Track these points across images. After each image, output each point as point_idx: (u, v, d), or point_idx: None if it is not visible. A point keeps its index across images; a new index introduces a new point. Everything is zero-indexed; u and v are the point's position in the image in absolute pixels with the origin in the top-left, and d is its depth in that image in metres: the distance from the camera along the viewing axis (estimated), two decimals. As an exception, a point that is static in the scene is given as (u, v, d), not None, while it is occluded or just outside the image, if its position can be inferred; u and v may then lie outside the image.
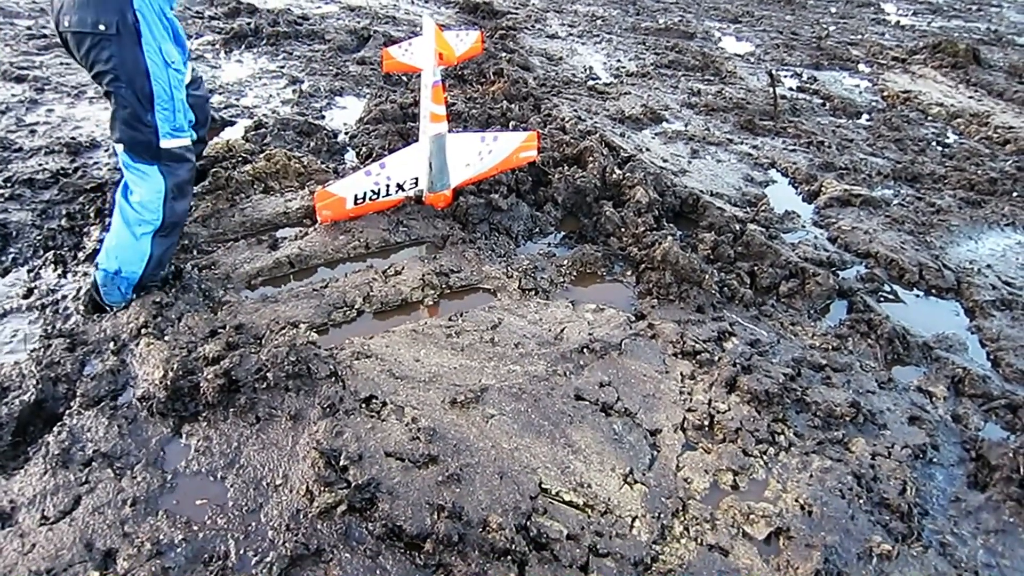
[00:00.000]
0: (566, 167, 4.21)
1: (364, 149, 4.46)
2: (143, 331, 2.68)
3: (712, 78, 7.16)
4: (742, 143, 5.45)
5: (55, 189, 3.71)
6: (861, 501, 2.33)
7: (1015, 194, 4.91)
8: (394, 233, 3.56)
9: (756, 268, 3.60)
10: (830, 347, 3.15)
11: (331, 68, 6.15)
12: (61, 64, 5.44)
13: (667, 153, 5.01)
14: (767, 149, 5.39)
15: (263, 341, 2.68)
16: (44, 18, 6.43)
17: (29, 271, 3.14)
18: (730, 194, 4.49)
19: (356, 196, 3.53)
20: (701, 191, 4.32)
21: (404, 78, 5.95)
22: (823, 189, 4.72)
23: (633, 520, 2.19)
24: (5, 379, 2.44)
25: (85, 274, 3.08)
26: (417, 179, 3.67)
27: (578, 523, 2.13)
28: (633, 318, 3.17)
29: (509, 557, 1.99)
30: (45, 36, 5.98)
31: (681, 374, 2.85)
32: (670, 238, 3.55)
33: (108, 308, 2.81)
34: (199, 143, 3.48)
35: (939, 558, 2.21)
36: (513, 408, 2.53)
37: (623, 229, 3.79)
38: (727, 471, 2.41)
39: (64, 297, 2.96)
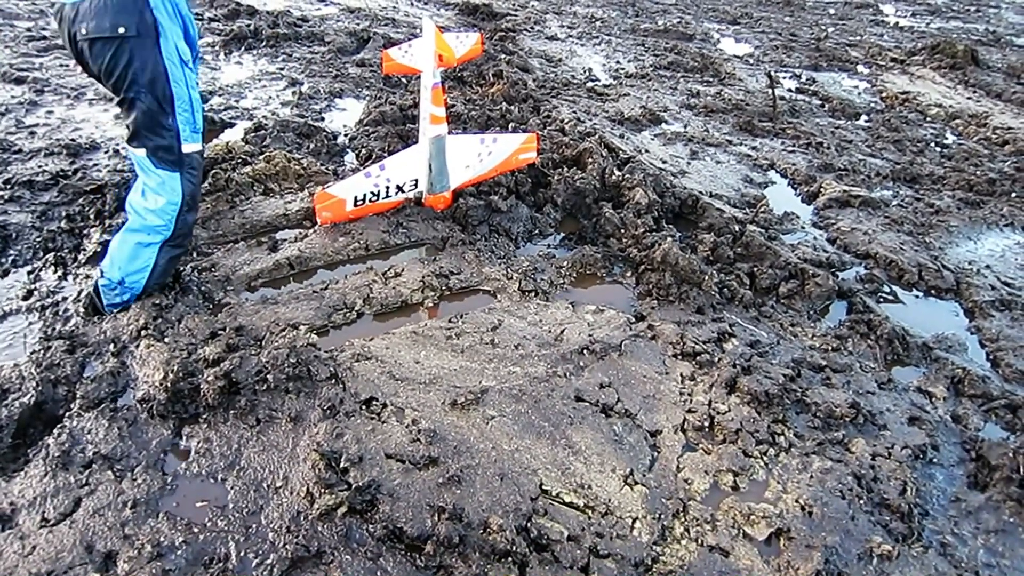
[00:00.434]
0: (565, 168, 4.21)
1: (364, 151, 4.46)
2: (143, 333, 2.68)
3: (711, 79, 7.17)
4: (741, 144, 5.46)
5: (55, 191, 3.71)
6: (861, 501, 2.33)
7: (1014, 194, 4.92)
8: (394, 235, 3.56)
9: (756, 269, 3.60)
10: (830, 348, 3.16)
11: (331, 70, 6.16)
12: (61, 66, 5.45)
13: (666, 154, 5.01)
14: (766, 150, 5.39)
15: (263, 343, 2.68)
16: (44, 20, 6.44)
17: (29, 273, 3.14)
18: (729, 195, 4.49)
19: (356, 198, 3.53)
20: (700, 192, 4.32)
21: (404, 80, 5.96)
22: (822, 190, 4.72)
23: (634, 521, 2.19)
24: (5, 381, 2.44)
25: (87, 276, 3.08)
26: (417, 181, 3.67)
27: (579, 524, 2.14)
28: (633, 319, 3.17)
29: (510, 558, 1.99)
30: (45, 38, 5.99)
31: (681, 375, 2.85)
32: (670, 239, 3.56)
33: (107, 312, 2.81)
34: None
35: (939, 558, 2.21)
36: (513, 409, 2.53)
37: (623, 230, 3.80)
38: (727, 472, 2.41)
39: (64, 299, 2.95)
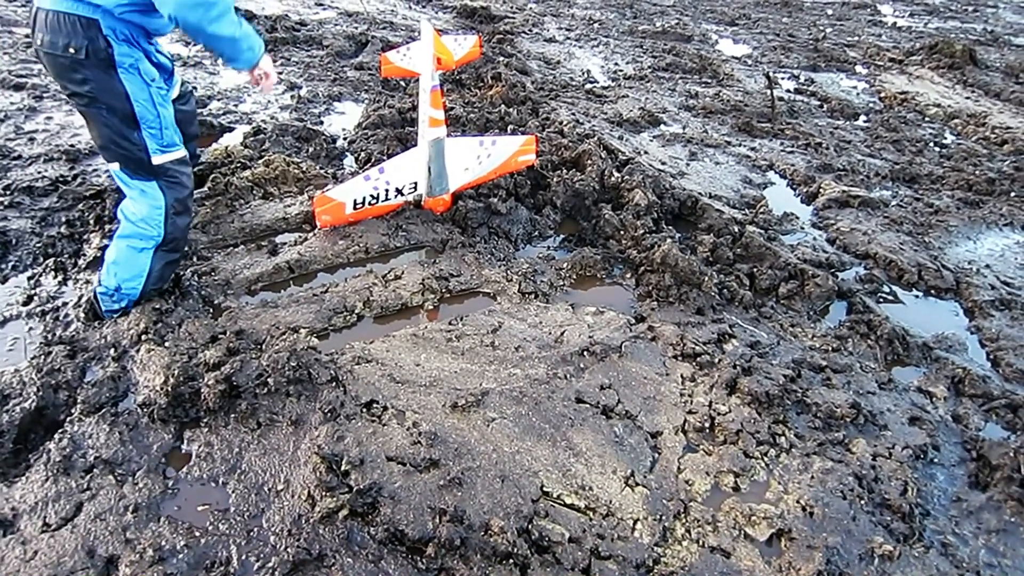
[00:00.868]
0: (565, 170, 4.22)
1: (363, 154, 4.47)
2: (144, 337, 2.68)
3: (710, 80, 7.17)
4: (740, 145, 5.46)
5: (54, 196, 3.72)
6: (862, 502, 2.33)
7: (1013, 194, 4.93)
8: (393, 238, 3.56)
9: (755, 270, 3.61)
10: (830, 348, 3.16)
11: (329, 73, 6.16)
12: (60, 71, 5.44)
13: (665, 156, 5.02)
14: (765, 151, 5.40)
15: (264, 346, 2.68)
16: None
17: (29, 278, 3.14)
18: (729, 196, 4.49)
19: (355, 201, 3.54)
20: (700, 193, 4.33)
21: (402, 83, 5.97)
22: (821, 190, 4.73)
23: (635, 522, 2.19)
24: (6, 386, 2.44)
25: (87, 281, 3.08)
26: (416, 184, 3.68)
27: (580, 526, 2.14)
28: (633, 320, 3.17)
29: (511, 560, 1.99)
30: (44, 44, 5.98)
31: (681, 376, 2.85)
32: (669, 240, 3.56)
33: (107, 318, 2.82)
34: (191, 158, 3.45)
35: (941, 558, 2.21)
36: (514, 411, 2.53)
37: (622, 232, 3.80)
38: (728, 473, 2.41)
39: (64, 304, 2.96)
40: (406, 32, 7.71)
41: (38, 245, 3.35)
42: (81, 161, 4.14)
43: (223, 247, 3.43)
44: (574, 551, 2.05)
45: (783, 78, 7.53)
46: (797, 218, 4.35)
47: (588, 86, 6.55)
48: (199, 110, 5.06)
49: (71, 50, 2.37)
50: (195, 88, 5.47)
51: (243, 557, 1.96)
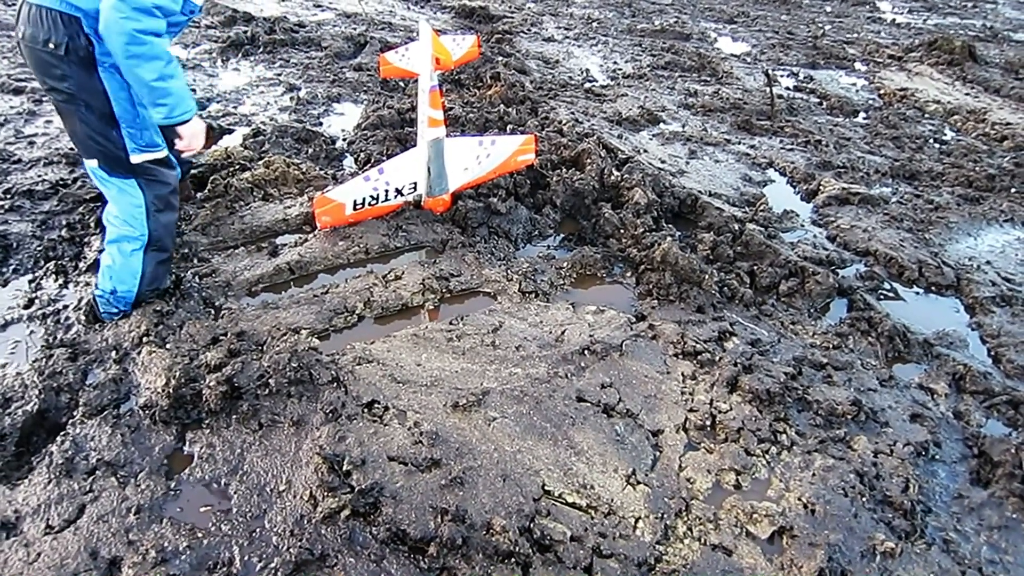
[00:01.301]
0: (564, 170, 4.22)
1: (362, 155, 4.47)
2: (145, 339, 2.68)
3: (709, 79, 7.17)
4: (740, 143, 5.46)
5: (55, 200, 3.72)
6: (864, 499, 2.33)
7: (1013, 190, 4.92)
8: (393, 238, 3.57)
9: (756, 268, 3.61)
10: (831, 345, 3.16)
11: (328, 75, 6.17)
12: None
13: (665, 154, 5.02)
14: (765, 149, 5.40)
15: (265, 348, 2.68)
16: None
17: (30, 282, 3.14)
18: (728, 194, 4.49)
19: (355, 202, 3.54)
20: (699, 191, 4.33)
21: (401, 83, 5.97)
22: (821, 188, 4.73)
23: (636, 521, 2.19)
24: (8, 390, 2.45)
25: (87, 284, 3.08)
26: (416, 184, 3.68)
27: (581, 524, 2.14)
28: (634, 319, 3.17)
29: (513, 559, 1.99)
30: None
31: (682, 374, 2.85)
32: (669, 239, 3.56)
33: (106, 320, 2.82)
34: (183, 164, 3.43)
35: (942, 555, 2.21)
36: (515, 411, 2.53)
37: (622, 230, 3.80)
38: (730, 471, 2.42)
39: (65, 307, 2.96)
40: (405, 33, 7.71)
41: (39, 248, 3.35)
42: (81, 164, 4.14)
43: (223, 249, 3.43)
44: (576, 550, 2.05)
45: (782, 76, 7.53)
46: (797, 215, 4.35)
47: (587, 85, 6.55)
48: (199, 112, 5.06)
49: (51, 45, 2.35)
50: (194, 90, 5.48)
51: (246, 558, 1.96)
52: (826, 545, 2.14)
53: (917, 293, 3.73)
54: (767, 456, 2.50)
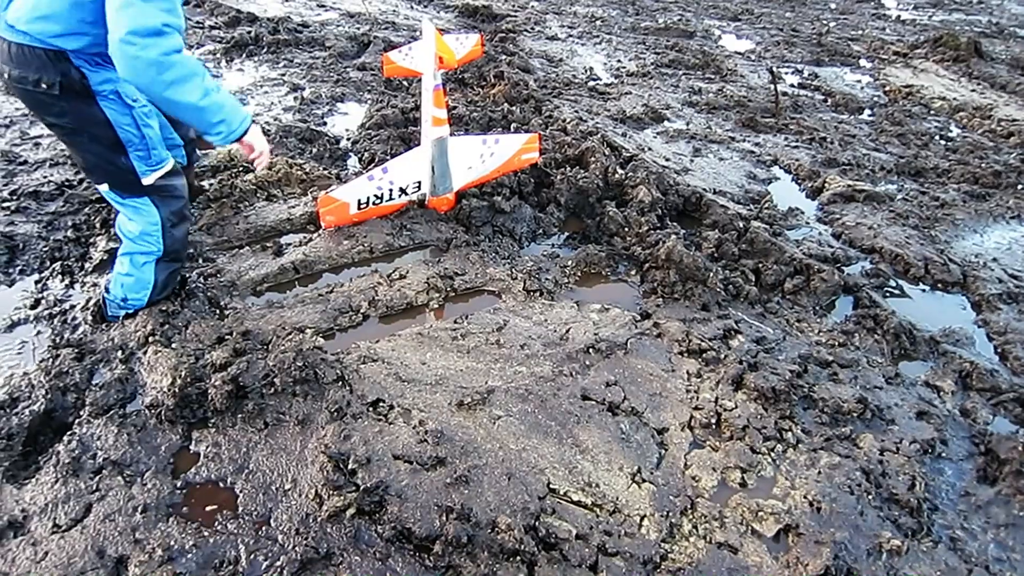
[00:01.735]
0: (568, 168, 4.21)
1: (366, 154, 4.48)
2: (150, 339, 2.69)
3: (713, 76, 7.16)
4: (744, 141, 5.45)
5: (60, 201, 3.74)
6: (870, 497, 2.33)
7: (1020, 186, 4.90)
8: (398, 237, 3.57)
9: (761, 265, 3.60)
10: (836, 343, 3.15)
11: (332, 74, 6.17)
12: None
13: (669, 152, 5.01)
14: (769, 146, 5.38)
15: (270, 347, 2.69)
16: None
17: (36, 282, 3.16)
18: (733, 192, 4.48)
19: (359, 201, 3.55)
20: (704, 189, 4.32)
21: (405, 83, 5.98)
22: (826, 185, 4.71)
23: (642, 519, 2.19)
24: (15, 389, 2.46)
25: (94, 284, 3.09)
26: (420, 183, 3.68)
27: (587, 523, 2.14)
28: (638, 317, 3.17)
29: (518, 557, 1.99)
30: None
31: (687, 372, 2.85)
32: (674, 237, 3.55)
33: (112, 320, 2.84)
34: (189, 162, 3.41)
35: (949, 553, 2.20)
36: (520, 409, 2.53)
37: (626, 229, 3.80)
38: (735, 469, 2.41)
39: (72, 307, 2.97)
40: (408, 32, 7.71)
41: (45, 249, 3.36)
42: (87, 165, 4.16)
43: (228, 249, 3.44)
44: (581, 548, 2.05)
45: (787, 73, 7.51)
46: (802, 213, 4.33)
47: (591, 83, 6.54)
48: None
49: (44, 85, 2.24)
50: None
51: (251, 556, 1.97)
52: (832, 543, 2.13)
53: (923, 290, 3.71)
54: (773, 454, 2.49)
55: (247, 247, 3.46)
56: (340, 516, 2.07)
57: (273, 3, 8.41)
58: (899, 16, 10.99)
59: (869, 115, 6.41)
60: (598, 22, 9.17)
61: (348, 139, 4.86)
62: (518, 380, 2.67)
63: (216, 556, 1.97)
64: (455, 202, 3.81)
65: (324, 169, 4.22)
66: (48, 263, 3.28)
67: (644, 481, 2.32)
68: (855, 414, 2.68)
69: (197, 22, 7.32)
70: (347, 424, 2.36)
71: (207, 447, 2.31)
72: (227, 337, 2.74)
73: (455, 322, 3.00)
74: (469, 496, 2.15)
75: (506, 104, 5.37)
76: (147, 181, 2.54)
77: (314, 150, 4.54)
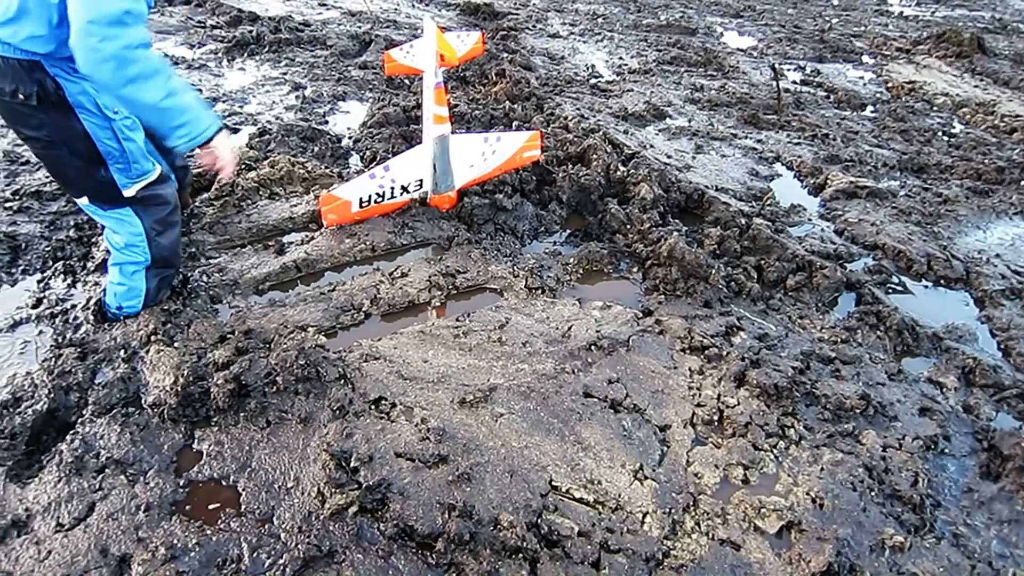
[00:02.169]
0: (570, 166, 4.21)
1: (368, 153, 4.47)
2: (153, 338, 2.69)
3: (715, 73, 7.14)
4: (746, 137, 5.44)
5: (62, 200, 3.74)
6: (873, 493, 2.32)
7: (1023, 183, 4.88)
8: (400, 235, 3.57)
9: (763, 262, 3.59)
10: (839, 340, 3.14)
11: (333, 73, 6.17)
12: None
13: (671, 149, 5.00)
14: (771, 143, 5.37)
15: (272, 345, 2.69)
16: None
17: (39, 282, 3.16)
18: (735, 189, 4.48)
19: (361, 199, 3.55)
20: (706, 186, 4.31)
21: (406, 81, 5.97)
22: (829, 182, 4.70)
23: (644, 516, 2.19)
24: (18, 389, 2.46)
25: (95, 284, 3.10)
26: (421, 181, 3.68)
27: (589, 520, 2.14)
28: (640, 314, 3.17)
29: (521, 555, 1.99)
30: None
31: (690, 369, 2.84)
32: (676, 234, 3.55)
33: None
34: (183, 171, 3.27)
35: (952, 549, 2.20)
36: (522, 406, 2.53)
37: (628, 226, 3.79)
38: (737, 465, 2.41)
39: (74, 306, 2.98)
40: (410, 30, 7.71)
41: (47, 249, 3.37)
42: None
43: (231, 248, 3.44)
44: (583, 545, 2.05)
45: (789, 69, 7.49)
46: (804, 210, 4.32)
47: (593, 81, 6.53)
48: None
49: (21, 96, 2.17)
50: (200, 91, 5.50)
51: (254, 554, 1.97)
52: (835, 539, 2.13)
53: (926, 287, 3.70)
54: (775, 451, 2.49)
55: (249, 246, 3.46)
56: (342, 514, 2.07)
57: (274, 2, 8.42)
58: (902, 12, 10.95)
59: (872, 111, 6.40)
60: (600, 19, 9.16)
61: (350, 137, 4.86)
62: (520, 378, 2.67)
63: (219, 554, 1.97)
64: (457, 200, 3.81)
65: (326, 168, 4.22)
66: (50, 262, 3.29)
67: (646, 478, 2.32)
68: (858, 411, 2.68)
69: (198, 21, 7.33)
70: (349, 422, 2.36)
71: (210, 445, 2.31)
72: (229, 336, 2.74)
73: (457, 320, 3.00)
74: (471, 494, 2.15)
75: (508, 102, 5.37)
76: (128, 193, 2.47)
77: (316, 149, 4.55)
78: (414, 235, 3.59)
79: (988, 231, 4.28)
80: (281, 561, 1.94)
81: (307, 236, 3.55)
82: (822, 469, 2.40)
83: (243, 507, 2.11)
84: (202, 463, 2.26)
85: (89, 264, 3.27)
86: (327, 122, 5.16)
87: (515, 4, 9.59)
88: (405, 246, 3.55)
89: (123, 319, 2.81)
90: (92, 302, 2.92)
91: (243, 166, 4.10)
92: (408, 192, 3.68)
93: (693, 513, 2.23)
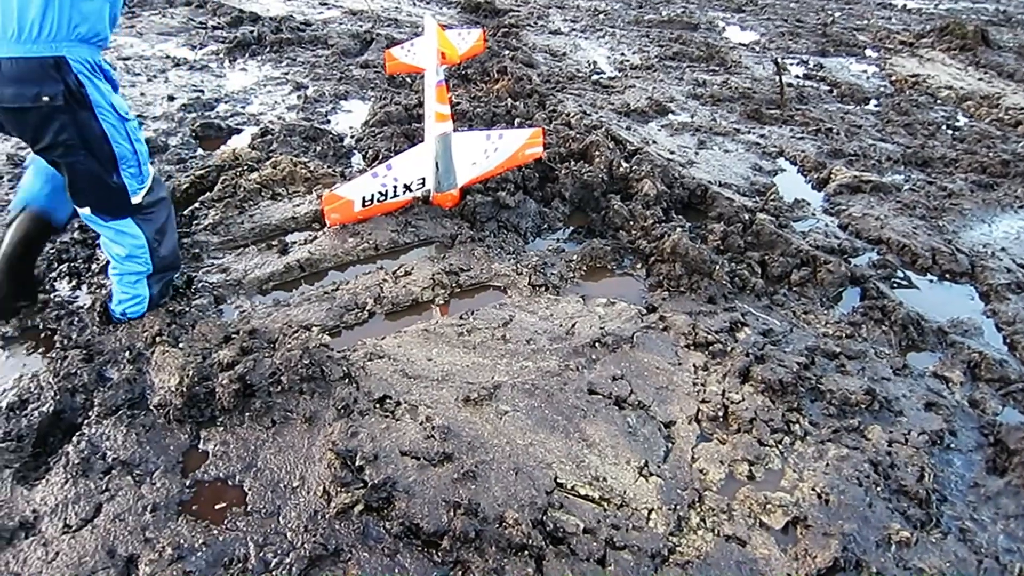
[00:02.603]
0: (573, 162, 4.20)
1: (370, 152, 4.48)
2: (158, 339, 2.70)
3: (717, 68, 7.12)
4: (749, 132, 5.42)
5: (67, 201, 3.75)
6: (879, 488, 2.32)
7: (1028, 175, 4.86)
8: (403, 234, 3.57)
9: (767, 257, 3.58)
10: (844, 335, 3.13)
11: (335, 72, 6.17)
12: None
13: (674, 145, 4.99)
14: (775, 138, 5.36)
15: (276, 345, 2.69)
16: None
17: (44, 283, 3.17)
18: (738, 184, 4.46)
19: (364, 198, 3.55)
20: (709, 182, 4.30)
21: (408, 79, 5.97)
22: (832, 176, 4.69)
23: (649, 512, 2.18)
24: (24, 391, 2.47)
25: (100, 286, 3.10)
26: (424, 179, 3.68)
27: (594, 517, 2.14)
28: (644, 311, 3.16)
29: (526, 552, 1.99)
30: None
31: (694, 365, 2.84)
32: (679, 230, 3.54)
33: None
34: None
35: (958, 544, 2.19)
36: (526, 404, 2.53)
37: (632, 222, 3.79)
38: (743, 461, 2.41)
39: (79, 308, 2.98)
40: (411, 29, 7.71)
41: (52, 251, 3.37)
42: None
43: (234, 248, 3.45)
44: (589, 542, 2.05)
45: (792, 64, 7.47)
46: (808, 204, 4.31)
47: (595, 77, 6.52)
48: (207, 113, 5.09)
49: (45, 98, 2.16)
50: (202, 91, 5.51)
51: (260, 554, 1.98)
52: (840, 535, 2.12)
53: (931, 281, 3.69)
54: (780, 446, 2.48)
55: (252, 246, 3.46)
56: (348, 512, 2.08)
57: (275, 2, 8.42)
58: (905, 5, 10.90)
59: (875, 105, 6.37)
60: (601, 15, 9.14)
61: (352, 137, 4.86)
62: (524, 375, 2.67)
63: (226, 554, 1.98)
64: (459, 198, 3.81)
65: (328, 167, 4.22)
66: (55, 264, 3.30)
67: (651, 475, 2.32)
68: (863, 406, 2.67)
69: (200, 22, 7.33)
70: (354, 421, 2.37)
71: (215, 446, 2.32)
72: (234, 336, 2.75)
73: (461, 318, 3.01)
74: (476, 491, 2.15)
75: (509, 99, 5.36)
76: (136, 200, 2.51)
77: (318, 148, 4.55)
78: (417, 233, 3.60)
79: (993, 225, 4.26)
80: (287, 560, 1.95)
81: (310, 236, 3.55)
82: (827, 464, 2.39)
83: (249, 507, 2.12)
84: (208, 463, 2.26)
85: (94, 266, 3.27)
86: (329, 121, 5.16)
87: (516, 1, 9.57)
88: (408, 245, 3.55)
89: (128, 321, 2.82)
90: (97, 304, 2.93)
91: (245, 167, 4.10)
92: (411, 190, 3.68)
93: (698, 509, 2.22)
